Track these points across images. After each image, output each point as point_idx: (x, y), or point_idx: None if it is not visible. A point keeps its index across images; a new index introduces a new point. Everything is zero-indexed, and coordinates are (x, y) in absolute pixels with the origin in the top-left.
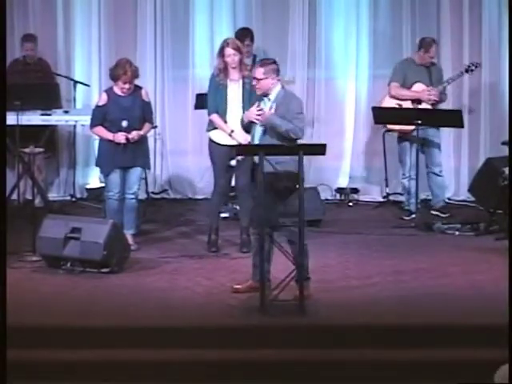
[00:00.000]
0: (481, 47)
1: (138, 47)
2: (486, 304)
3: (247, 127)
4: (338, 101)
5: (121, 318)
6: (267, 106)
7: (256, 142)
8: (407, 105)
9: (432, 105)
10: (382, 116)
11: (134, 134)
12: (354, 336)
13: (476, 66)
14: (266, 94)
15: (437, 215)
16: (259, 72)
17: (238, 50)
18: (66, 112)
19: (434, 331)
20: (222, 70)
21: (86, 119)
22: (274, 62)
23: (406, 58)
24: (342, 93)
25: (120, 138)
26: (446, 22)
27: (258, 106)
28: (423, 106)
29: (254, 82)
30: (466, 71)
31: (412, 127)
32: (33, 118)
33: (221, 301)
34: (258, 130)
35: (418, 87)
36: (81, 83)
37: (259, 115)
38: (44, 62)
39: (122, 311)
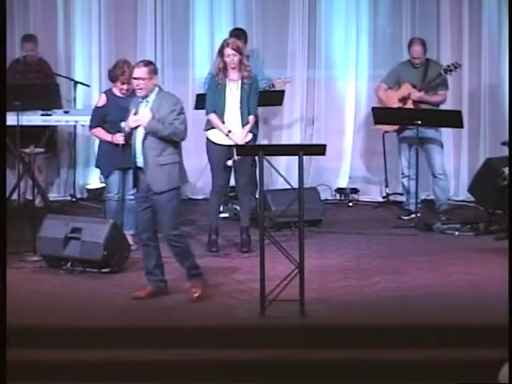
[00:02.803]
0: (480, 47)
1: (138, 47)
2: (486, 304)
3: (130, 134)
4: (338, 101)
5: (121, 317)
6: (147, 108)
7: (139, 145)
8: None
9: (414, 105)
10: (382, 116)
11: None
12: (354, 336)
13: (456, 67)
14: (146, 96)
15: (438, 216)
16: (144, 71)
17: (237, 50)
18: (67, 112)
19: (433, 331)
20: (222, 70)
21: (86, 119)
22: (153, 63)
23: (406, 59)
24: (342, 93)
25: (119, 139)
26: (446, 22)
27: (135, 113)
28: (408, 105)
29: (137, 83)
30: (445, 72)
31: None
32: (33, 119)
33: (221, 301)
34: (140, 134)
35: (405, 87)
36: (81, 83)
37: (138, 120)
38: (44, 62)
39: (122, 311)
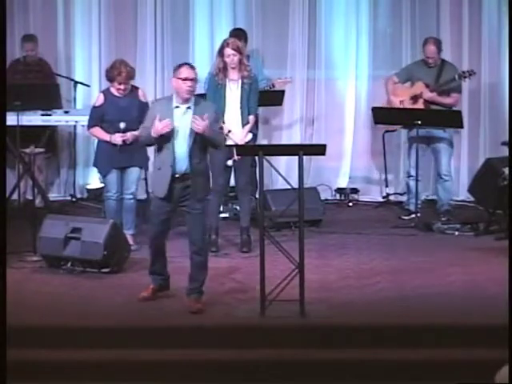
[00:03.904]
0: (480, 47)
1: (138, 47)
2: (486, 304)
3: (150, 141)
4: (337, 101)
5: (121, 317)
6: (188, 114)
7: (181, 153)
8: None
9: (425, 105)
10: (381, 116)
11: (129, 136)
12: (354, 336)
13: (471, 74)
14: (187, 101)
15: (438, 216)
16: (195, 73)
17: (237, 50)
18: (67, 112)
19: (434, 331)
20: (222, 70)
21: (86, 119)
22: None
23: (420, 59)
24: (342, 93)
25: (117, 139)
26: (446, 22)
27: (164, 120)
28: (419, 104)
29: (191, 84)
30: (460, 77)
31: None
32: (33, 119)
33: (221, 301)
34: (182, 141)
35: (418, 86)
36: (81, 83)
37: (197, 126)
38: (44, 62)
39: (121, 311)
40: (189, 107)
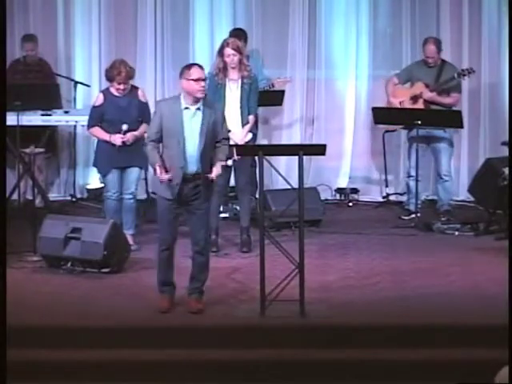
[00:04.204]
0: (480, 47)
1: (138, 47)
2: (486, 304)
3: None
4: (337, 101)
5: (121, 317)
6: (197, 115)
7: (192, 154)
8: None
9: (425, 105)
10: (382, 116)
11: (128, 137)
12: (354, 336)
13: (470, 72)
14: (197, 102)
15: (438, 216)
16: (204, 72)
17: (237, 50)
18: (67, 112)
19: (433, 331)
20: (222, 70)
21: (86, 119)
22: None
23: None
24: (342, 93)
25: (117, 140)
26: (446, 22)
27: (165, 175)
28: (419, 104)
29: (204, 84)
30: (459, 76)
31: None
32: (33, 119)
33: (221, 301)
34: (193, 142)
35: (417, 86)
36: (81, 83)
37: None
38: (44, 62)
39: (122, 311)
40: (198, 108)
